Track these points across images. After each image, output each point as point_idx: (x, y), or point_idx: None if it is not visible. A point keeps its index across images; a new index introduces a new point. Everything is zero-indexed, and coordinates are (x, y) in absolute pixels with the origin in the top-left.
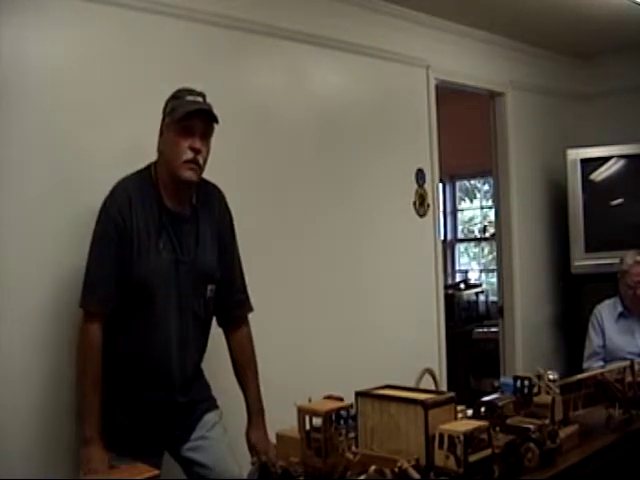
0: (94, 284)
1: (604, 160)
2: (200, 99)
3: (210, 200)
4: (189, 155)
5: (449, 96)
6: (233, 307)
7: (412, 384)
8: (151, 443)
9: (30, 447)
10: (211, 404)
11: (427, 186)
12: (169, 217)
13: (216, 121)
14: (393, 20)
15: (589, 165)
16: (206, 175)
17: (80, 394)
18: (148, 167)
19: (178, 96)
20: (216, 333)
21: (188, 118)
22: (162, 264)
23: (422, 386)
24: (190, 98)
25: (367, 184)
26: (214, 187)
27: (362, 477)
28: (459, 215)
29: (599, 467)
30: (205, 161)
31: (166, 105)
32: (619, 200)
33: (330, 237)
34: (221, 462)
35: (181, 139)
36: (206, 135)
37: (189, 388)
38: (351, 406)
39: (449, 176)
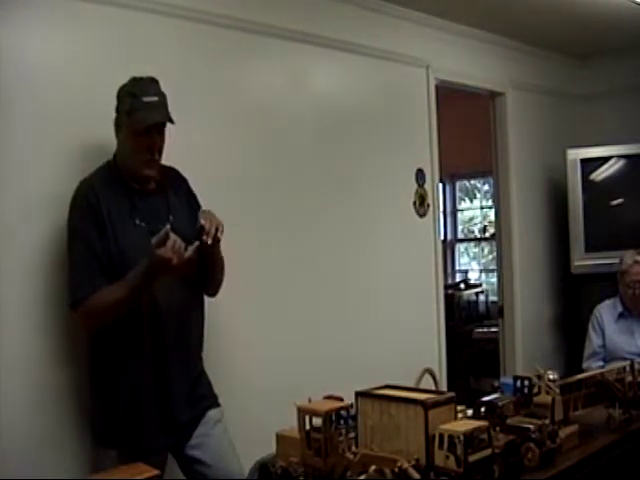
0: (79, 278)
1: (604, 160)
2: (156, 98)
3: (175, 182)
4: (148, 156)
5: (449, 96)
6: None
7: (412, 384)
8: (157, 436)
9: (30, 447)
10: (214, 401)
11: (427, 186)
12: (137, 194)
13: (172, 122)
14: (393, 20)
15: (589, 165)
16: (206, 174)
17: (124, 297)
18: (107, 161)
19: (134, 93)
20: (215, 340)
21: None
22: (139, 236)
23: (422, 386)
24: (147, 99)
25: (367, 184)
26: (175, 171)
27: (362, 477)
28: (459, 215)
29: (599, 467)
30: (162, 149)
31: (121, 98)
32: (619, 200)
33: (330, 237)
34: (222, 460)
35: (141, 139)
36: (162, 129)
37: (189, 365)
38: (351, 406)
39: (449, 176)
